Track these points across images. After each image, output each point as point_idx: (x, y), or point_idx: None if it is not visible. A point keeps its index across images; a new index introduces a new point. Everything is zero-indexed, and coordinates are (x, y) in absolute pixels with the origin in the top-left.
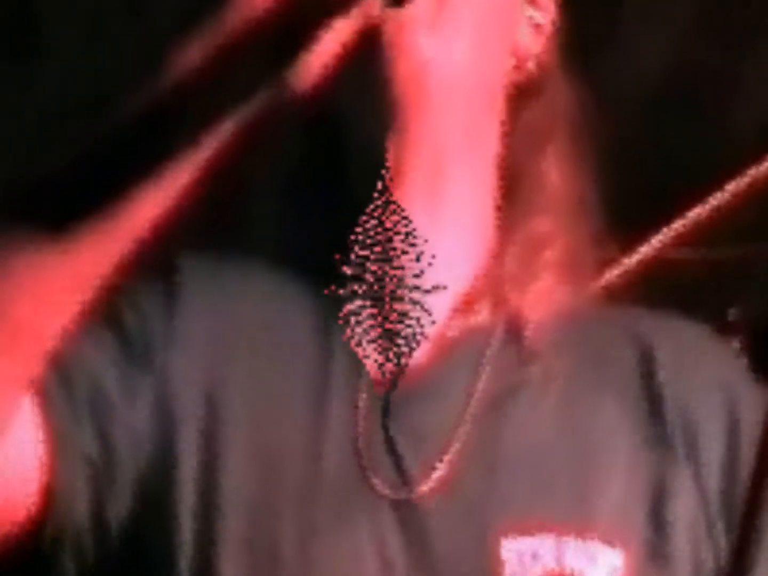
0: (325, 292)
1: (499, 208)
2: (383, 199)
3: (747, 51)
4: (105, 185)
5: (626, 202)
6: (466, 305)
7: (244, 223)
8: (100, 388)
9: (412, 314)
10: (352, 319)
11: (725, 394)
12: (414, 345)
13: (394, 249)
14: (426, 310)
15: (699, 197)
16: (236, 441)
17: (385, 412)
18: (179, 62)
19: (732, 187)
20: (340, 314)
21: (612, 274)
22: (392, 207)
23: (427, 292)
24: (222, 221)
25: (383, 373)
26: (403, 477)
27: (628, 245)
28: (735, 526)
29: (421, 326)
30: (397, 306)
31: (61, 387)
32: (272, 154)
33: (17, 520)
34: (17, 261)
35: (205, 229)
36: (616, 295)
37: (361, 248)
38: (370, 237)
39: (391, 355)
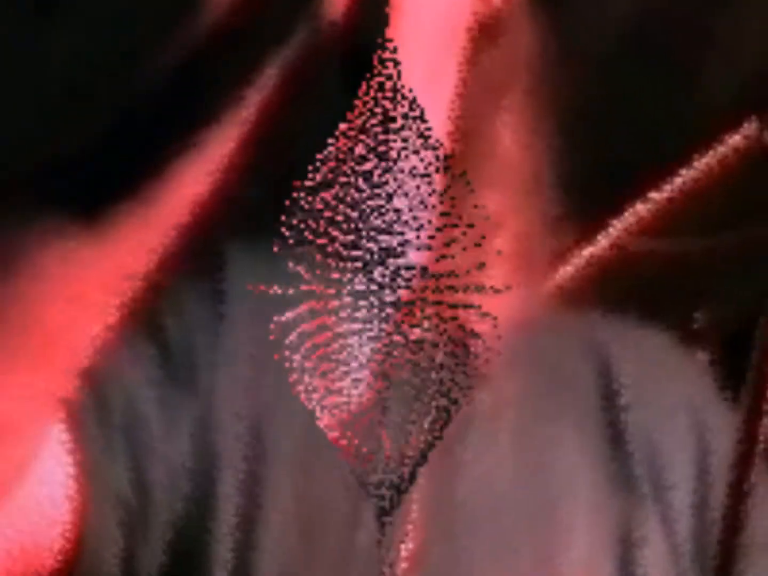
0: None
1: (446, 175)
2: None
3: (722, 1)
4: (139, 156)
5: (584, 178)
6: (405, 314)
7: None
8: (138, 414)
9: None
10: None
11: (693, 419)
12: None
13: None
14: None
15: (665, 174)
16: (280, 492)
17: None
18: (212, 5)
19: (702, 163)
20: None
21: (567, 269)
22: None
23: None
24: (275, 198)
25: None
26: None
27: (585, 233)
28: (709, 574)
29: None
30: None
31: (96, 411)
32: (319, 104)
33: (40, 569)
34: (47, 256)
35: (256, 210)
36: (572, 295)
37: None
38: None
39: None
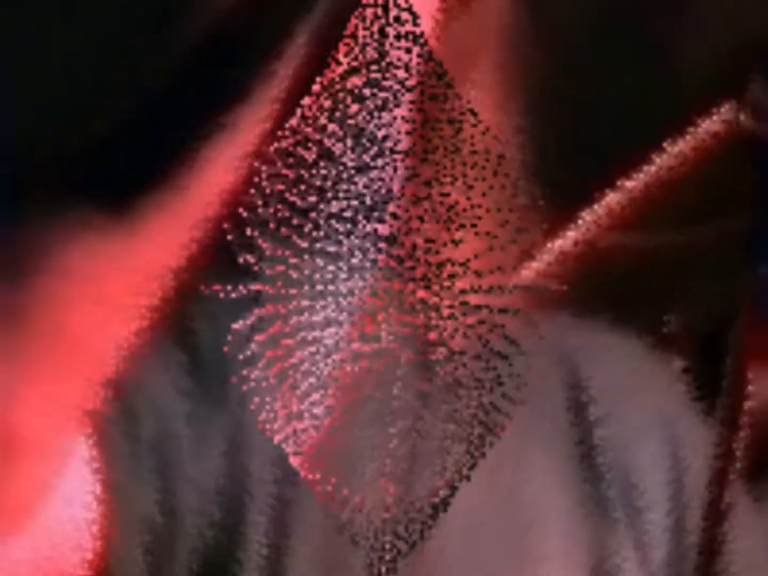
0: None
1: (410, 157)
2: None
3: None
4: (167, 141)
5: (552, 164)
6: (366, 321)
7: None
8: (168, 430)
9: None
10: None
11: (666, 433)
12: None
13: None
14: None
15: (638, 161)
16: (310, 520)
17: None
18: None
19: (677, 149)
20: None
21: (533, 266)
22: None
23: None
24: (311, 185)
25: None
26: None
27: (553, 226)
28: None
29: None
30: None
31: (123, 425)
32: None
33: None
34: (71, 253)
35: (292, 199)
36: (539, 296)
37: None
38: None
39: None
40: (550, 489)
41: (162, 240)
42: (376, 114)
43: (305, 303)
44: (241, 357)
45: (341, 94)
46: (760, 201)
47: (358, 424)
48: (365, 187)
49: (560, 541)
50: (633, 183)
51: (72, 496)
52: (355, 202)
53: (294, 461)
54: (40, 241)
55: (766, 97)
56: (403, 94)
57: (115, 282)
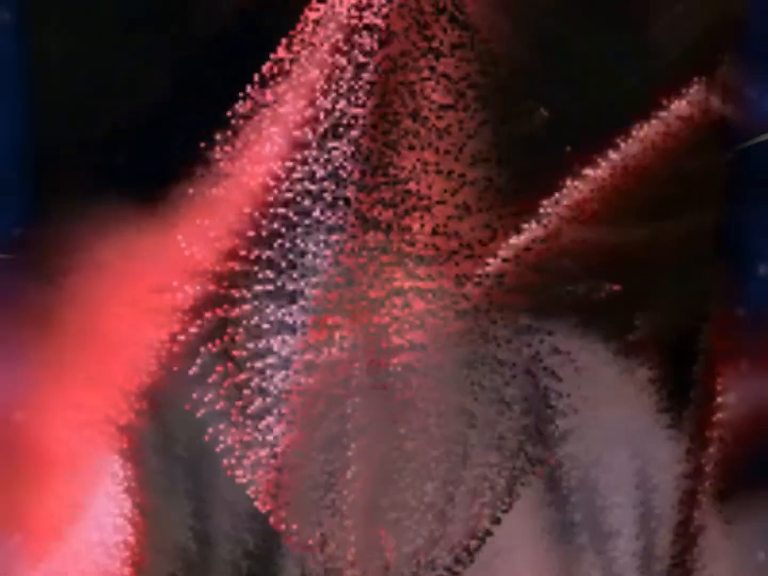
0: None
1: (368, 144)
2: None
3: None
4: (202, 124)
5: (513, 150)
6: (322, 328)
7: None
8: (205, 451)
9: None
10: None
11: (632, 450)
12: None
13: None
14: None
15: (603, 147)
16: (349, 547)
17: None
18: None
19: (643, 134)
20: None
21: (494, 263)
22: None
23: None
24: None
25: None
26: None
27: (513, 218)
28: None
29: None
30: None
31: (158, 441)
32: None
33: None
34: (105, 252)
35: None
36: (500, 297)
37: None
38: None
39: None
40: (515, 514)
41: (197, 233)
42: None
43: (255, 305)
44: (191, 372)
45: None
46: (734, 192)
47: (314, 449)
48: (322, 177)
49: (527, 569)
50: (598, 172)
51: (103, 519)
52: (312, 187)
53: (262, 507)
54: (71, 240)
55: (737, 78)
56: (362, 81)
57: (148, 282)
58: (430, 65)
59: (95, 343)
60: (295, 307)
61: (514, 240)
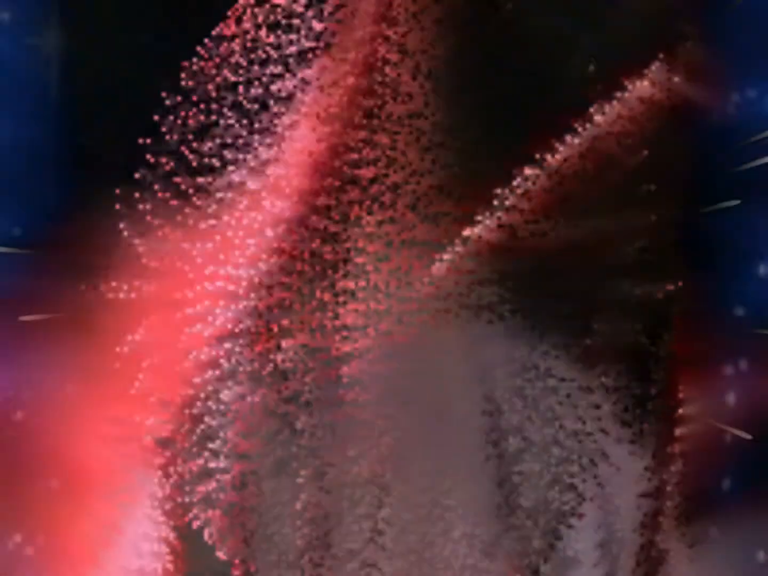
0: None
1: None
2: None
3: None
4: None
5: (465, 135)
6: (263, 336)
7: None
8: (247, 470)
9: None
10: None
11: (593, 467)
12: None
13: None
14: None
15: (561, 130)
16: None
17: None
18: None
19: (602, 117)
20: None
21: (446, 259)
22: None
23: None
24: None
25: None
26: None
27: (466, 208)
28: None
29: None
30: None
31: (202, 460)
32: None
33: None
34: (146, 249)
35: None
36: (450, 304)
37: None
38: None
39: None
40: (472, 545)
41: (240, 223)
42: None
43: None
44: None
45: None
46: (734, 192)
47: (263, 476)
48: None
49: None
50: (556, 157)
51: (141, 543)
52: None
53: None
54: (109, 237)
55: (701, 56)
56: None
57: (190, 283)
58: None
59: (134, 350)
60: (239, 309)
61: (467, 233)
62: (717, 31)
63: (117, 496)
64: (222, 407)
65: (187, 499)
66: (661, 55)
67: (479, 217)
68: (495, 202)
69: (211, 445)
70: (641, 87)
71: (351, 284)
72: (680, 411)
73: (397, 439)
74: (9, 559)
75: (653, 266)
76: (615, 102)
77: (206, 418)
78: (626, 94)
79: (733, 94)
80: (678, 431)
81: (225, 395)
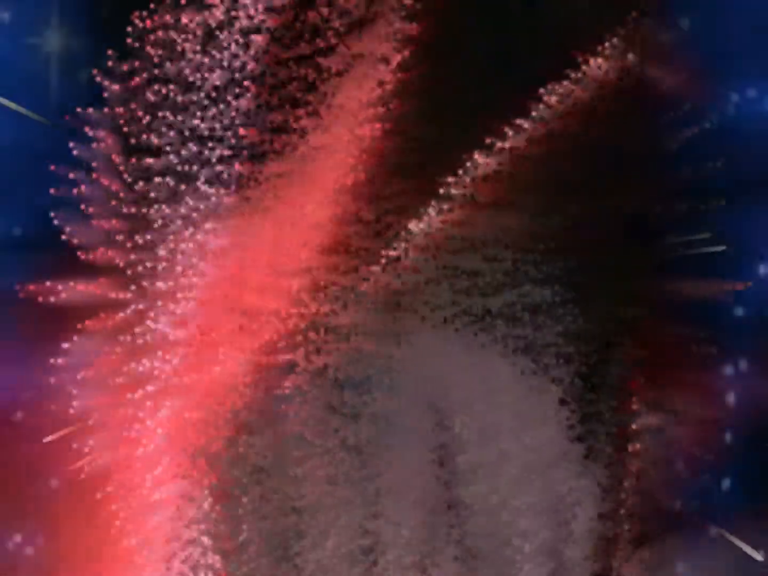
0: None
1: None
2: None
3: None
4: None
5: (418, 120)
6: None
7: None
8: (300, 495)
9: None
10: None
11: (544, 490)
12: None
13: None
14: None
15: (513, 114)
16: None
17: None
18: None
19: (556, 98)
20: None
21: (391, 254)
22: None
23: None
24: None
25: None
26: None
27: (413, 198)
28: None
29: None
30: None
31: (254, 478)
32: None
33: None
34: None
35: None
36: (395, 307)
37: None
38: None
39: None
40: (405, 568)
41: (292, 216)
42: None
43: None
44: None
45: None
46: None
47: (202, 506)
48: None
49: None
50: (507, 143)
51: (186, 570)
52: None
53: None
54: (158, 236)
55: (658, 34)
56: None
57: (243, 281)
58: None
59: (186, 357)
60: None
61: (414, 225)
62: (717, 31)
63: (162, 516)
64: (158, 429)
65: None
66: (617, 31)
67: (426, 209)
68: (441, 192)
69: (150, 475)
70: (595, 66)
71: (294, 283)
72: (634, 425)
73: (339, 459)
74: None
75: (611, 262)
76: (569, 83)
77: (143, 444)
78: (581, 75)
79: (733, 94)
80: (632, 447)
81: (160, 412)
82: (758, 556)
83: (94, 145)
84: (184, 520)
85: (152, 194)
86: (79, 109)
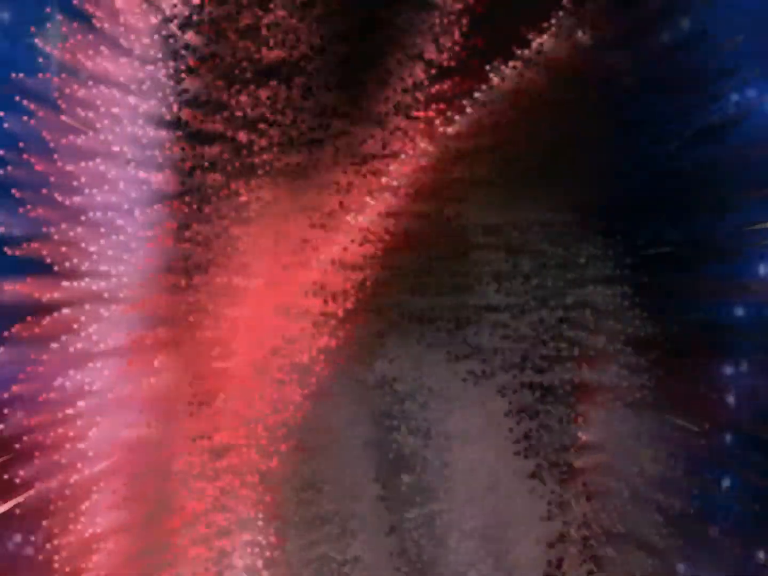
0: None
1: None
2: None
3: None
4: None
5: (357, 104)
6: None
7: None
8: (355, 513)
9: None
10: None
11: (489, 507)
12: None
13: None
14: None
15: (456, 95)
16: None
17: None
18: None
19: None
20: None
21: (333, 250)
22: None
23: None
24: None
25: None
26: None
27: (353, 191)
28: None
29: None
30: None
31: (306, 493)
32: None
33: None
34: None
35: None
36: (335, 303)
37: None
38: None
39: None
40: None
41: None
42: None
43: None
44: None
45: None
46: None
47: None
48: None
49: None
50: (451, 128)
51: None
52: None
53: None
54: (210, 227)
55: (610, 11)
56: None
57: (297, 282)
58: None
59: (235, 361)
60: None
61: (354, 220)
62: (717, 30)
63: (208, 533)
64: (90, 450)
65: None
66: (565, 4)
67: (365, 200)
68: (384, 183)
69: (82, 505)
70: (543, 43)
71: (235, 281)
72: (581, 438)
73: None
74: None
75: (564, 261)
76: (515, 62)
77: (76, 467)
78: (527, 52)
79: (733, 94)
80: (578, 463)
81: (93, 432)
82: (758, 557)
83: (25, 118)
84: (123, 556)
85: (83, 179)
86: (13, 75)
